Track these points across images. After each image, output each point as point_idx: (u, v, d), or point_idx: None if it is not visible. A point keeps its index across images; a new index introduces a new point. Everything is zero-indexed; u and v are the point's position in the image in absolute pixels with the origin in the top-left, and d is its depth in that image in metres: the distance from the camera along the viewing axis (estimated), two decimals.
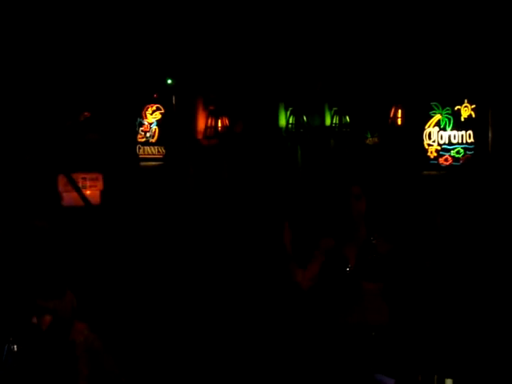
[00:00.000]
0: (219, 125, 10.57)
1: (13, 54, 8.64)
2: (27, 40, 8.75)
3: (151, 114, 10.44)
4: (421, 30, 8.63)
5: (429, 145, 8.77)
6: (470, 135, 8.37)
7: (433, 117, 8.70)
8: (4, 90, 8.55)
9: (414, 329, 4.46)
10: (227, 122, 10.60)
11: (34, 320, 4.64)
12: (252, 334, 6.16)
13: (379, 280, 4.07)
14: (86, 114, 9.56)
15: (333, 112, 10.41)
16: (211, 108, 10.63)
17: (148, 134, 10.41)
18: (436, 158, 8.70)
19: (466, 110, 8.37)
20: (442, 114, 8.62)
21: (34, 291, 4.91)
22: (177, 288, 7.60)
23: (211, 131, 10.59)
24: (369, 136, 10.01)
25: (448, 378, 3.78)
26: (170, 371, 5.54)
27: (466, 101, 8.37)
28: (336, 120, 10.37)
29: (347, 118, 10.32)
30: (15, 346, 4.50)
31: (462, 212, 8.00)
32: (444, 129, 8.61)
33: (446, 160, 8.60)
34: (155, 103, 10.48)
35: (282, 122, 10.69)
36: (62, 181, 8.98)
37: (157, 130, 10.46)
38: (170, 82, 10.41)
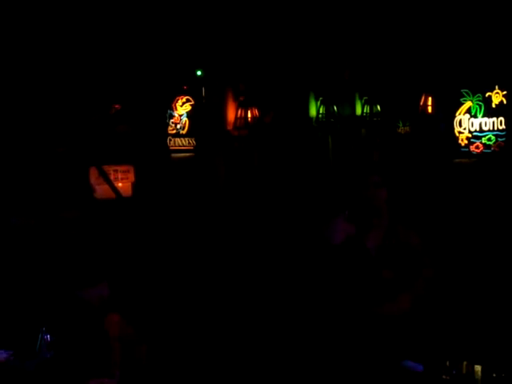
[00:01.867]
0: (249, 115, 10.60)
1: (44, 46, 8.74)
2: (59, 32, 8.84)
3: (181, 106, 10.48)
4: (450, 16, 8.54)
5: (459, 132, 8.69)
6: (501, 122, 8.28)
7: (463, 104, 8.62)
8: (36, 82, 8.65)
9: (441, 316, 4.44)
10: (257, 112, 10.62)
11: (68, 309, 4.73)
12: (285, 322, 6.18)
13: (399, 268, 4.04)
14: (116, 106, 9.63)
15: (363, 101, 10.37)
16: (241, 99, 10.66)
17: (178, 126, 10.45)
18: (467, 146, 8.62)
19: (497, 97, 8.28)
20: (472, 101, 8.54)
21: (66, 281, 5.00)
22: (210, 280, 7.65)
23: (241, 122, 10.63)
24: (400, 125, 9.96)
25: (477, 364, 3.77)
26: (197, 363, 5.57)
27: (496, 87, 8.27)
28: (367, 109, 10.33)
29: (378, 107, 10.28)
30: (49, 336, 4.59)
31: (492, 200, 7.92)
32: (475, 116, 8.53)
33: (477, 147, 8.52)
34: (185, 95, 10.51)
35: (313, 111, 10.68)
36: (93, 173, 9.07)
37: (187, 121, 10.49)
38: (199, 73, 10.45)
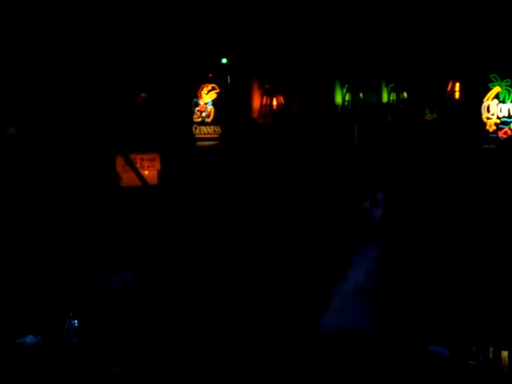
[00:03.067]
0: (274, 103, 10.57)
1: (72, 37, 8.80)
2: (85, 23, 8.89)
3: (207, 94, 10.49)
4: (478, 1, 8.45)
5: (487, 118, 8.60)
6: None
7: (492, 89, 8.52)
8: (62, 72, 8.71)
9: (468, 301, 4.41)
10: (282, 100, 10.59)
11: (94, 295, 4.78)
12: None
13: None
14: (142, 95, 9.67)
15: (390, 88, 10.30)
16: (266, 87, 10.63)
17: (204, 114, 10.48)
18: (495, 132, 8.53)
19: None
20: (501, 86, 8.44)
21: (93, 268, 5.05)
22: (236, 267, 7.65)
23: (266, 110, 10.60)
24: (427, 112, 9.89)
25: (504, 349, 3.74)
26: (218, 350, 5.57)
27: None
28: (393, 96, 10.25)
29: (405, 94, 10.20)
30: (76, 321, 4.64)
31: None
32: (503, 101, 8.43)
33: (506, 133, 8.43)
34: (210, 83, 10.52)
35: (338, 99, 10.63)
36: (120, 162, 9.13)
37: (212, 109, 10.51)
38: (224, 61, 10.44)
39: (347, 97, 10.47)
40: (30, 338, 4.64)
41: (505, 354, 3.71)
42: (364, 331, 3.65)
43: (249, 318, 6.33)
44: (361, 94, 10.45)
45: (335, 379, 3.63)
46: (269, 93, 10.60)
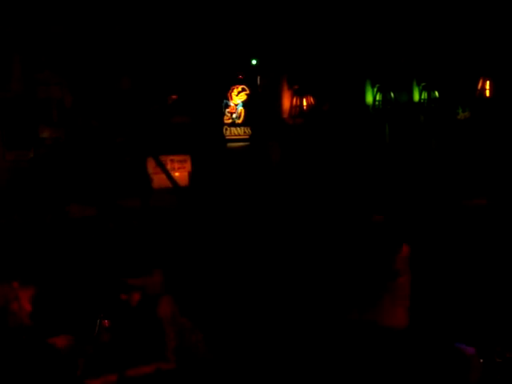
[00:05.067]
0: (304, 104, 10.58)
1: (103, 38, 8.90)
2: (119, 26, 8.99)
3: (237, 95, 10.53)
4: None
5: None
6: None
7: None
8: (95, 74, 8.82)
9: (493, 301, 4.38)
10: (312, 100, 10.59)
11: (124, 297, 4.83)
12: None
13: None
14: (173, 97, 9.74)
15: (421, 87, 10.25)
16: (296, 87, 10.64)
17: (234, 115, 10.51)
18: None
19: None
20: None
21: (122, 269, 5.11)
22: (266, 271, 7.63)
23: (296, 110, 10.62)
24: (460, 111, 9.82)
25: None
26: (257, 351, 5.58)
27: None
28: (424, 95, 10.21)
29: (436, 93, 10.14)
30: (107, 321, 4.70)
31: None
32: None
33: None
34: (240, 84, 10.55)
35: (369, 99, 10.60)
36: (151, 163, 9.21)
37: (243, 110, 10.54)
38: (254, 62, 10.47)
39: (378, 96, 10.45)
40: (62, 338, 4.70)
41: None
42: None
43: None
44: (392, 94, 10.41)
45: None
46: (299, 93, 10.62)
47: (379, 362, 3.65)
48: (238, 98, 10.54)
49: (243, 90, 10.57)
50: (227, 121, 10.47)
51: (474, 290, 3.99)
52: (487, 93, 9.04)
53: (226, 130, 10.46)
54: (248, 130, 10.57)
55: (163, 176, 9.03)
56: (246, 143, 10.52)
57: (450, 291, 4.89)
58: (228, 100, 10.52)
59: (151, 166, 9.22)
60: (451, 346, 3.65)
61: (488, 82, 9.02)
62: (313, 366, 4.26)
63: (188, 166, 9.66)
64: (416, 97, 10.35)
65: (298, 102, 10.59)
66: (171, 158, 9.50)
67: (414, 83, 10.37)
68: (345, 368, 3.72)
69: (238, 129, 10.53)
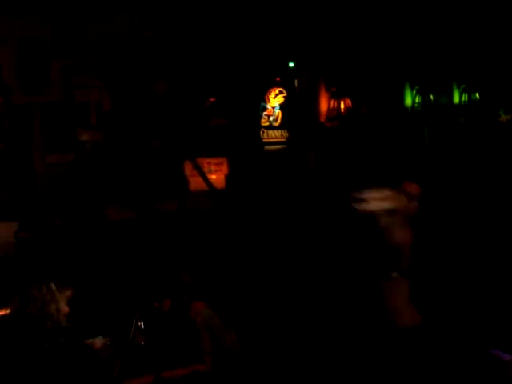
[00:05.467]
0: (342, 106, 10.53)
1: (141, 41, 8.97)
2: (156, 28, 9.06)
3: (274, 98, 10.52)
4: None
5: None
6: None
7: None
8: (134, 77, 8.89)
9: None
10: (350, 103, 10.54)
11: (156, 305, 4.88)
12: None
13: None
14: (211, 99, 9.77)
15: (461, 89, 10.14)
16: (333, 90, 10.60)
17: (271, 118, 10.51)
18: None
19: None
20: None
21: (155, 276, 5.16)
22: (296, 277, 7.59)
23: (334, 113, 10.58)
24: (502, 113, 9.69)
25: None
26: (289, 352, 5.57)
27: None
28: (465, 97, 10.11)
29: (477, 94, 10.03)
30: (142, 323, 4.74)
31: None
32: None
33: None
34: (278, 87, 10.54)
35: (408, 101, 10.52)
36: (188, 166, 9.25)
37: (280, 113, 10.53)
38: (291, 65, 10.46)
39: (417, 99, 10.37)
40: (99, 339, 4.75)
41: None
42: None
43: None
44: (431, 96, 10.32)
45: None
46: (336, 96, 10.57)
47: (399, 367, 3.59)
48: (275, 101, 10.54)
49: (280, 92, 10.56)
50: (264, 123, 10.46)
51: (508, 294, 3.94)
52: None
53: (263, 132, 10.45)
54: (285, 133, 10.55)
55: (200, 179, 9.06)
56: (284, 146, 10.50)
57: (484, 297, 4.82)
58: (265, 103, 10.52)
59: (188, 168, 9.26)
60: (487, 352, 3.60)
61: None
62: (335, 366, 4.22)
63: (225, 168, 9.69)
64: (456, 99, 10.24)
65: (336, 105, 10.55)
66: (208, 160, 9.53)
67: (454, 85, 10.26)
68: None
69: (276, 131, 10.52)
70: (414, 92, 10.39)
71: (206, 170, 9.33)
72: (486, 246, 6.70)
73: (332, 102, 10.57)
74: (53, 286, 4.29)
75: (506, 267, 5.74)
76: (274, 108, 10.51)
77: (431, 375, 3.44)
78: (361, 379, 3.64)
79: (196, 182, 9.17)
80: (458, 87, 10.17)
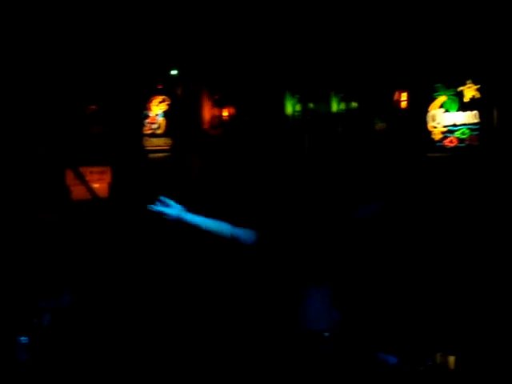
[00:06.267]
0: (225, 114, 10.59)
1: (19, 50, 8.70)
2: (33, 36, 8.80)
3: (157, 106, 10.47)
4: (422, 12, 8.60)
5: (433, 127, 8.74)
6: (475, 116, 8.33)
7: (437, 98, 8.66)
8: (13, 86, 8.61)
9: (415, 308, 4.48)
10: (233, 111, 10.62)
11: (35, 320, 4.75)
12: None
13: None
14: (92, 107, 9.60)
15: (339, 98, 10.39)
16: (216, 97, 10.65)
17: (154, 126, 10.45)
18: (441, 140, 8.67)
19: (469, 91, 8.33)
20: (446, 96, 8.58)
21: (34, 293, 5.03)
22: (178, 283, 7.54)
23: (217, 121, 10.63)
24: (377, 121, 10.00)
25: (451, 355, 3.81)
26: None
27: (469, 81, 8.32)
28: (343, 106, 10.35)
29: (354, 104, 10.31)
30: (24, 339, 4.58)
31: (467, 193, 7.99)
32: (448, 110, 8.58)
33: (451, 142, 8.57)
34: (161, 94, 10.50)
35: (289, 109, 10.69)
36: (69, 175, 9.04)
37: (163, 121, 10.48)
38: (174, 72, 10.43)
39: (298, 107, 10.54)
40: None
41: (452, 358, 3.78)
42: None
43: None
44: (311, 104, 10.52)
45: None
46: (219, 104, 10.62)
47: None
48: (158, 109, 10.48)
49: (163, 100, 10.52)
50: (147, 131, 10.39)
51: (395, 297, 4.09)
52: (403, 104, 9.27)
53: (147, 140, 10.37)
54: (169, 141, 10.51)
55: (82, 187, 8.88)
56: (167, 154, 10.46)
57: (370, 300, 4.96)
58: (148, 110, 10.45)
59: (70, 177, 9.05)
60: (374, 355, 3.70)
61: (404, 94, 9.25)
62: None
63: (108, 177, 9.53)
64: (334, 107, 10.48)
65: (219, 113, 10.60)
66: (90, 169, 9.36)
67: (333, 94, 10.49)
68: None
69: (159, 139, 10.47)
70: (295, 100, 10.56)
71: (88, 178, 9.16)
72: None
73: (215, 110, 10.61)
74: None
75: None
76: (156, 116, 10.45)
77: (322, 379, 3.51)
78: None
79: (78, 191, 8.98)
80: (336, 96, 10.40)
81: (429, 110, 8.75)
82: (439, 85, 8.64)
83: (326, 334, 3.58)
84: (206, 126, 10.67)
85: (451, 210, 8.15)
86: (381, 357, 3.79)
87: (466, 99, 8.38)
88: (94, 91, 9.67)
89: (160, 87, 10.46)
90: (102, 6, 9.21)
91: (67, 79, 9.25)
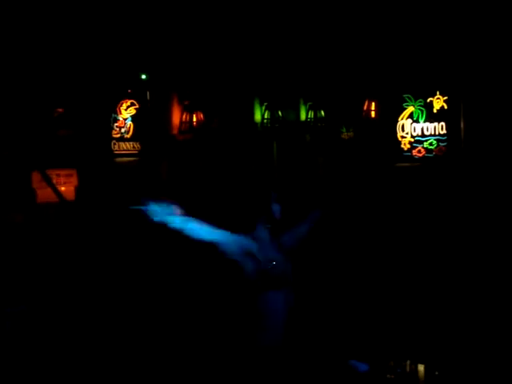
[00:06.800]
0: (194, 120, 10.56)
1: None
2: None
3: (126, 110, 10.39)
4: (391, 24, 8.68)
5: (402, 137, 8.82)
6: (442, 127, 8.42)
7: (406, 109, 8.74)
8: None
9: (385, 317, 4.49)
10: (202, 116, 10.59)
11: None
12: None
13: None
14: (59, 110, 9.50)
15: (308, 107, 10.41)
16: (186, 103, 10.61)
17: (123, 130, 10.36)
18: (409, 150, 8.74)
19: (438, 102, 8.42)
20: (414, 106, 8.66)
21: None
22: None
23: (186, 126, 10.59)
24: (344, 130, 10.04)
25: (420, 363, 3.83)
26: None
27: (438, 93, 8.41)
28: (311, 115, 10.37)
29: (322, 112, 10.33)
30: None
31: (434, 203, 8.07)
32: (417, 121, 8.66)
33: (419, 152, 8.65)
34: (130, 98, 10.42)
35: (258, 116, 10.68)
36: (36, 177, 8.93)
37: (132, 125, 10.41)
38: (144, 77, 10.37)
39: (266, 114, 10.54)
40: None
41: (421, 367, 3.80)
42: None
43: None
44: (280, 112, 10.53)
45: None
46: (188, 109, 10.59)
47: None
48: (126, 113, 10.40)
49: (132, 104, 10.45)
50: (116, 135, 10.30)
51: (365, 305, 4.08)
52: (372, 114, 9.33)
53: (115, 144, 10.28)
54: (137, 145, 10.44)
55: (49, 190, 8.77)
56: (135, 158, 10.38)
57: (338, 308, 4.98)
58: (117, 114, 10.36)
59: (36, 180, 8.93)
60: (345, 362, 3.71)
61: (373, 104, 9.31)
62: None
63: (75, 180, 9.44)
64: (303, 116, 10.50)
65: (188, 118, 10.56)
66: (57, 172, 9.25)
67: (301, 102, 10.52)
68: None
69: (127, 143, 10.39)
70: (264, 108, 10.57)
71: (55, 181, 9.05)
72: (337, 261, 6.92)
73: (184, 115, 10.58)
74: None
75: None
76: (125, 120, 10.37)
77: None
78: None
79: (44, 194, 8.87)
80: (305, 104, 10.42)
81: (398, 120, 8.83)
82: (408, 95, 8.72)
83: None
84: (174, 131, 10.62)
85: (417, 218, 8.23)
86: (352, 364, 3.80)
87: (435, 110, 8.47)
88: (61, 94, 9.56)
89: (129, 91, 10.38)
90: (72, 10, 9.13)
91: (34, 81, 9.14)
